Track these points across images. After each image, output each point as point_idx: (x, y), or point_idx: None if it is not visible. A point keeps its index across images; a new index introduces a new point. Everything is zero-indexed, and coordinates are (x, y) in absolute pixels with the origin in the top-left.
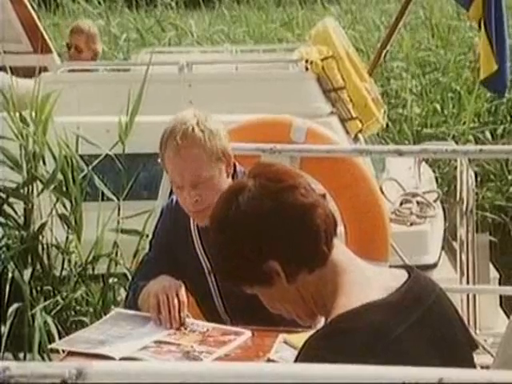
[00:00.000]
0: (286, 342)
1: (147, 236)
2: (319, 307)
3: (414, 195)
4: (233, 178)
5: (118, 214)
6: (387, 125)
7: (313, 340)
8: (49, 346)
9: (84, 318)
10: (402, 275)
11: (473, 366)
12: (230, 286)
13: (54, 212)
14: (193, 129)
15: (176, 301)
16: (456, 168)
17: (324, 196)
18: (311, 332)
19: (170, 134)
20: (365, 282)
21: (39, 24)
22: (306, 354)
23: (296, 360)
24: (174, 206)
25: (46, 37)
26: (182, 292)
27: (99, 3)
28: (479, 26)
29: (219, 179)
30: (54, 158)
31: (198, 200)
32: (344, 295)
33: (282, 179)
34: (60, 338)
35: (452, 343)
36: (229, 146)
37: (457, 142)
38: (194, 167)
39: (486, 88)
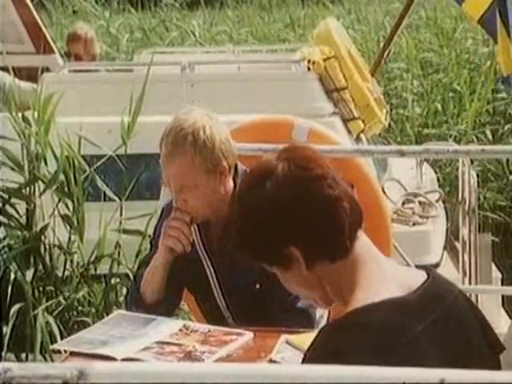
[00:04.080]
0: (287, 343)
1: (149, 236)
2: (336, 296)
3: (416, 195)
4: (234, 178)
5: (120, 215)
6: (389, 125)
7: (327, 330)
8: (51, 347)
9: (86, 319)
10: (421, 275)
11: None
12: (245, 264)
13: (56, 212)
14: (185, 138)
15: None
16: (458, 168)
17: (352, 187)
18: (314, 333)
19: (166, 134)
20: (384, 278)
21: (41, 24)
22: (317, 344)
23: (308, 349)
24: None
25: (49, 37)
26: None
27: (103, 4)
28: (479, 23)
29: (206, 189)
30: (56, 158)
31: (183, 204)
32: (363, 289)
33: (311, 167)
34: (62, 338)
35: (467, 347)
36: (226, 158)
37: (458, 142)
38: (178, 175)
39: (505, 86)
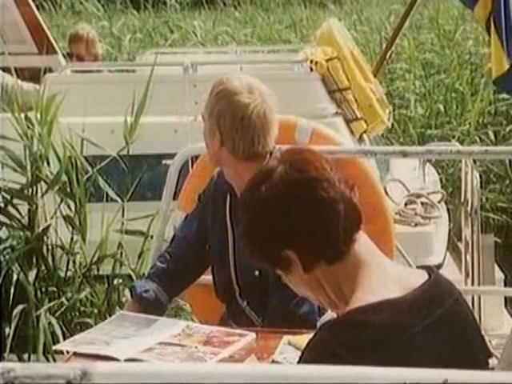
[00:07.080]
0: (290, 344)
1: (151, 237)
2: (338, 298)
3: (419, 196)
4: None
5: (123, 215)
6: (392, 125)
7: (323, 330)
8: (53, 347)
9: (88, 320)
10: (423, 275)
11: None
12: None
13: (58, 213)
14: (215, 87)
15: None
16: (460, 169)
17: (352, 188)
18: None
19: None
20: (384, 278)
21: (44, 25)
22: (315, 343)
23: (306, 348)
24: (220, 176)
25: (51, 38)
26: None
27: (104, 5)
28: (486, 26)
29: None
30: (59, 159)
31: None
32: (364, 289)
33: (306, 170)
34: (64, 339)
35: (466, 349)
36: (223, 136)
37: (461, 143)
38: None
39: (498, 88)
